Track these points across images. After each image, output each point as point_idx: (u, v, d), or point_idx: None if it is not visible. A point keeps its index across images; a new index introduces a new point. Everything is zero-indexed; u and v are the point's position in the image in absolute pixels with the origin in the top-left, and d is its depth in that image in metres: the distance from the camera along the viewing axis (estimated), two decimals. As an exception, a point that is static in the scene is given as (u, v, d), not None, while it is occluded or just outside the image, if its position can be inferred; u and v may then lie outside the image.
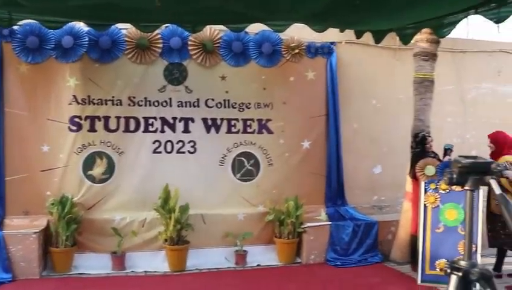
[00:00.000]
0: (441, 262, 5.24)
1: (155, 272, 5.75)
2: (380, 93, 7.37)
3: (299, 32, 6.20)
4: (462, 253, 5.06)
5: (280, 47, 6.54)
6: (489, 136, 5.88)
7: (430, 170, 5.48)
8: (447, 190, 5.24)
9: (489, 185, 1.83)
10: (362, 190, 7.15)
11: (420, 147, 5.92)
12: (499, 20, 3.26)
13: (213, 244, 6.16)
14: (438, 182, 5.30)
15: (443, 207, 5.25)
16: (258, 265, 6.10)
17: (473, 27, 7.95)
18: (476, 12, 3.47)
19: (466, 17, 3.70)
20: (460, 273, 1.86)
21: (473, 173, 1.88)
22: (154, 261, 5.89)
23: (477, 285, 1.85)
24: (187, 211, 5.87)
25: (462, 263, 1.88)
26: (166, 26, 6.06)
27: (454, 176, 1.92)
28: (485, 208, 5.72)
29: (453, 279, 1.88)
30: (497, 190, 1.77)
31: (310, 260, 6.23)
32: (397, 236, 6.37)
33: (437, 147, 5.92)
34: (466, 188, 1.89)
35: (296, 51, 6.61)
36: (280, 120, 6.66)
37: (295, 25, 4.50)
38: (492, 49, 8.29)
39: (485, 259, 6.15)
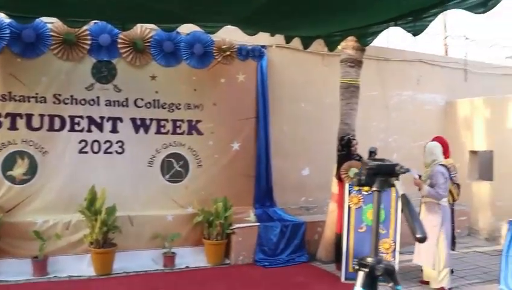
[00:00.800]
0: (364, 260, 5.63)
1: (80, 276, 5.63)
2: (309, 97, 7.72)
3: (230, 35, 6.35)
4: (383, 251, 5.47)
5: (211, 48, 6.67)
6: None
7: (352, 172, 5.80)
8: (370, 191, 5.62)
9: (393, 186, 2.03)
10: (290, 191, 7.44)
11: (346, 149, 6.23)
12: (415, 33, 3.59)
13: (141, 247, 6.16)
14: (362, 184, 5.66)
15: (365, 208, 5.63)
16: (187, 267, 6.16)
17: (399, 38, 8.57)
18: (396, 25, 3.77)
19: (387, 28, 4.02)
20: (367, 269, 2.02)
21: (379, 174, 2.05)
22: (79, 266, 5.77)
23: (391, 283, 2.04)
24: (114, 212, 5.82)
25: (369, 260, 2.04)
26: (95, 23, 5.99)
27: (363, 177, 2.08)
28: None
29: (360, 275, 2.05)
30: (400, 191, 1.97)
31: (238, 261, 6.38)
32: (323, 236, 6.67)
33: (362, 149, 6.26)
34: (373, 189, 2.06)
35: (228, 53, 6.78)
36: (210, 122, 6.80)
37: (227, 27, 4.64)
38: (413, 59, 8.97)
39: (404, 256, 6.70)
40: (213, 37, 6.42)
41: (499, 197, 8.00)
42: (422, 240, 1.88)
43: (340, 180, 6.08)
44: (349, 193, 5.72)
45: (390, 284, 2.03)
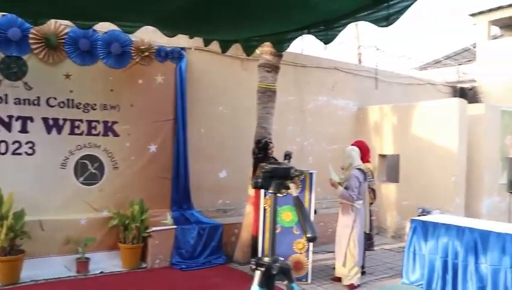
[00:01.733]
0: (278, 260, 5.91)
1: (-17, 286, 5.41)
2: (227, 100, 7.93)
3: (150, 35, 6.40)
4: (297, 251, 5.77)
5: (129, 48, 6.68)
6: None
7: None
8: (284, 194, 5.90)
9: (289, 188, 2.17)
10: (208, 193, 7.59)
11: (262, 153, 6.49)
12: (327, 41, 3.89)
13: (52, 253, 6.03)
14: (276, 186, 5.93)
15: (280, 209, 5.89)
16: (101, 272, 6.10)
17: (316, 45, 9.03)
18: (309, 32, 4.05)
19: (301, 35, 4.31)
20: (263, 269, 2.14)
21: (275, 177, 2.16)
22: (-18, 274, 5.53)
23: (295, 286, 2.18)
24: (22, 217, 5.64)
25: (266, 259, 2.16)
26: (4, 15, 5.77)
27: (259, 180, 2.19)
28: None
29: (257, 274, 2.16)
30: (294, 193, 2.13)
31: (155, 264, 6.43)
32: (240, 238, 6.89)
33: (279, 153, 6.53)
34: (270, 191, 2.17)
35: (146, 53, 6.81)
36: (127, 123, 6.79)
37: (147, 27, 4.67)
38: (329, 66, 9.49)
39: (318, 255, 7.12)
40: (132, 37, 6.44)
41: (404, 197, 8.71)
42: (312, 239, 2.02)
43: (256, 182, 6.27)
44: (265, 195, 5.94)
45: (285, 282, 2.16)
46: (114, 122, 6.71)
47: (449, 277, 5.54)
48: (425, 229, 5.84)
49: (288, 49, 4.88)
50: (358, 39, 15.33)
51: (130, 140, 6.83)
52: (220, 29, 4.54)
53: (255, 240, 6.27)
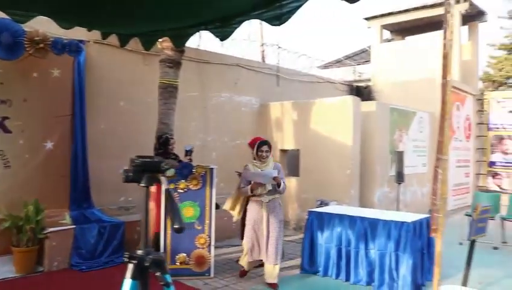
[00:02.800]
0: (181, 256, 5.94)
1: None
2: (129, 95, 7.77)
3: (45, 26, 6.09)
4: (199, 246, 5.82)
5: (22, 39, 6.31)
6: (249, 143, 6.36)
7: (170, 171, 5.92)
8: (185, 189, 5.96)
9: (160, 181, 2.21)
10: (109, 191, 7.37)
11: (163, 148, 6.46)
12: (222, 38, 3.99)
13: None
14: (177, 182, 5.96)
15: (181, 205, 5.92)
16: (-9, 279, 5.75)
17: (222, 42, 9.12)
18: (206, 29, 4.12)
19: (198, 31, 4.37)
20: (136, 261, 2.19)
21: (146, 171, 2.20)
22: None
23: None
24: None
25: (139, 252, 2.21)
26: None
27: (130, 174, 2.21)
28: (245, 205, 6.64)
29: (130, 267, 2.21)
30: (165, 186, 2.18)
31: (53, 267, 6.15)
32: (143, 235, 6.81)
33: (182, 149, 6.50)
34: (142, 184, 2.20)
35: (41, 45, 6.47)
36: (20, 119, 6.42)
37: (43, 18, 4.45)
38: (231, 63, 9.63)
39: (221, 250, 7.23)
40: (25, 27, 6.07)
41: (304, 190, 9.11)
42: (179, 230, 2.08)
43: (157, 178, 6.21)
44: (165, 192, 5.91)
45: (158, 273, 2.20)
46: (5, 118, 6.31)
47: (343, 264, 5.94)
48: (321, 220, 6.19)
49: (192, 45, 4.92)
50: (262, 37, 15.69)
51: (24, 137, 6.46)
52: (117, 23, 4.46)
53: (157, 237, 6.23)
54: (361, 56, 19.99)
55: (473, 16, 14.22)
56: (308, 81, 11.67)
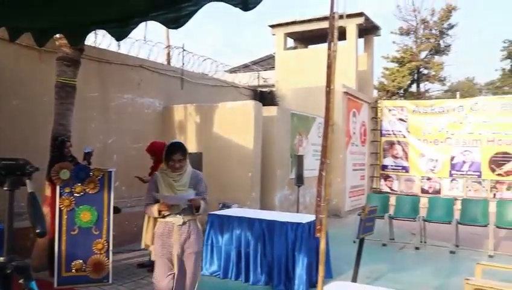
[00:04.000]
0: (77, 263, 5.67)
1: None
2: (24, 94, 7.32)
3: None
4: (97, 252, 5.59)
5: None
6: (146, 149, 6.40)
7: (65, 174, 5.66)
8: (81, 193, 5.72)
9: (25, 184, 2.10)
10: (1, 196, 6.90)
11: (58, 151, 6.13)
12: (119, 38, 3.91)
13: None
14: (73, 186, 5.70)
15: (78, 209, 5.66)
16: None
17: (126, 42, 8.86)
18: (102, 28, 4.01)
19: (94, 30, 4.22)
20: None
21: (10, 173, 2.09)
22: None
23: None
24: None
25: (1, 259, 2.08)
26: None
27: None
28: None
29: None
30: (29, 189, 2.08)
31: None
32: (36, 243, 6.44)
33: (81, 151, 6.27)
34: (5, 188, 2.09)
35: None
36: None
37: None
38: (134, 64, 9.42)
39: (121, 255, 7.04)
40: None
41: (207, 192, 9.10)
42: (41, 235, 2.00)
43: (52, 182, 5.91)
44: (60, 196, 5.65)
45: (21, 280, 2.09)
46: None
47: (242, 265, 6.04)
48: (221, 223, 6.25)
49: (94, 44, 4.75)
50: (168, 39, 15.54)
51: None
52: (7, 15, 4.18)
53: (52, 243, 5.93)
54: (268, 62, 20.48)
55: (368, 30, 15.14)
56: (213, 85, 11.74)
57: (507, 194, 12.97)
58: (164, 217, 4.09)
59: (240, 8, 2.95)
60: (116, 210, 6.03)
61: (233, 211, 6.83)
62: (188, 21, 3.25)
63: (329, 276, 5.95)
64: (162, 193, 4.03)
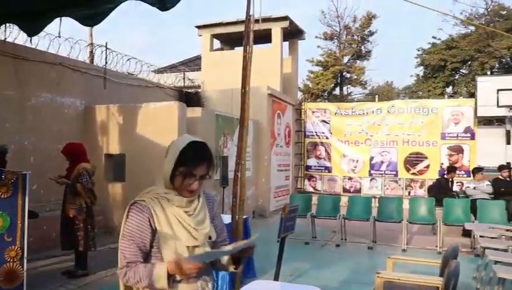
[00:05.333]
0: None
1: None
2: None
3: None
4: (9, 259, 5.30)
5: None
6: (62, 151, 6.26)
7: None
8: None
9: None
10: None
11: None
12: (31, 33, 3.76)
13: None
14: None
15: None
16: None
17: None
18: (12, 22, 3.84)
19: (2, 24, 4.02)
20: None
21: None
22: None
23: None
24: None
25: None
26: None
27: None
28: (61, 212, 6.26)
29: None
30: None
31: None
32: None
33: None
34: None
35: None
36: None
37: None
38: (54, 62, 9.03)
39: (38, 262, 6.72)
40: None
41: (130, 195, 8.77)
42: None
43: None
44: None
45: None
46: None
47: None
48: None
49: (9, 39, 4.50)
50: (91, 37, 15.04)
51: None
52: None
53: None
54: (196, 63, 20.38)
55: (293, 34, 15.49)
56: (138, 85, 11.51)
57: (420, 192, 13.80)
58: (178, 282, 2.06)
59: (158, 8, 2.94)
60: (33, 215, 5.74)
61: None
62: (104, 19, 3.20)
63: (252, 275, 6.03)
64: (173, 238, 2.10)
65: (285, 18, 14.39)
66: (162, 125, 8.69)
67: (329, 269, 7.07)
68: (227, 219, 6.08)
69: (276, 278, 5.59)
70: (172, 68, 20.78)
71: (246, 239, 2.15)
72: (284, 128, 14.09)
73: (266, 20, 14.42)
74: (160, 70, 19.43)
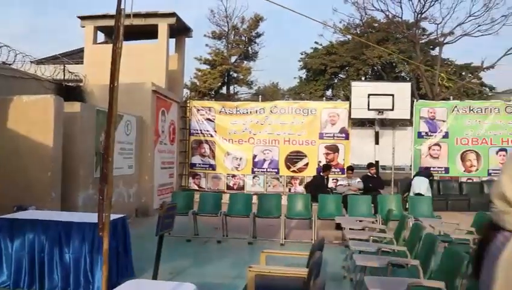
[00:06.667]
0: None
1: None
2: None
3: None
4: None
5: None
6: None
7: None
8: None
9: None
10: None
11: None
12: None
13: None
14: None
15: None
16: None
17: None
18: None
19: None
20: None
21: None
22: None
23: None
24: None
25: None
26: None
27: None
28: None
29: None
30: None
31: None
32: None
33: None
34: None
35: None
36: None
37: None
38: None
39: None
40: None
41: (1, 197, 8.23)
42: None
43: None
44: None
45: None
46: None
47: (36, 272, 5.60)
48: (11, 228, 5.70)
49: None
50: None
51: None
52: None
53: None
54: (81, 55, 19.33)
55: (180, 31, 15.36)
56: (11, 76, 10.62)
57: (300, 188, 14.46)
58: None
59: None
60: None
61: (29, 214, 6.30)
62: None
63: (131, 275, 5.90)
64: None
65: (172, 14, 14.22)
66: (36, 120, 8.12)
67: (209, 266, 7.14)
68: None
69: (154, 277, 5.52)
70: (55, 59, 19.50)
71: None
72: (169, 126, 13.92)
73: (152, 15, 14.15)
74: (40, 61, 18.13)
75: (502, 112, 14.78)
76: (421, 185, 11.95)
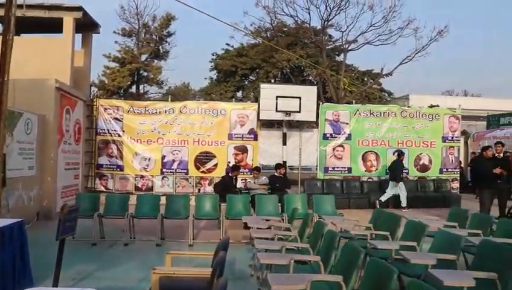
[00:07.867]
0: None
1: None
2: None
3: None
4: None
5: None
6: None
7: None
8: None
9: None
10: None
11: None
12: None
13: None
14: None
15: None
16: None
17: None
18: None
19: None
20: None
21: None
22: None
23: None
24: None
25: None
26: None
27: None
28: None
29: None
30: None
31: None
32: None
33: None
34: None
35: None
36: None
37: None
38: None
39: None
40: None
41: None
42: None
43: None
44: None
45: None
46: None
47: None
48: None
49: None
50: None
51: None
52: None
53: None
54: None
55: (87, 26, 14.77)
56: None
57: (209, 189, 14.50)
58: None
59: None
60: None
61: None
62: None
63: (29, 283, 5.59)
64: None
65: (79, 8, 13.63)
66: None
67: (114, 269, 6.96)
68: (3, 222, 5.54)
69: (55, 284, 5.29)
70: None
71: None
72: (74, 125, 13.32)
73: (57, 8, 13.49)
74: None
75: (398, 116, 16.01)
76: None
